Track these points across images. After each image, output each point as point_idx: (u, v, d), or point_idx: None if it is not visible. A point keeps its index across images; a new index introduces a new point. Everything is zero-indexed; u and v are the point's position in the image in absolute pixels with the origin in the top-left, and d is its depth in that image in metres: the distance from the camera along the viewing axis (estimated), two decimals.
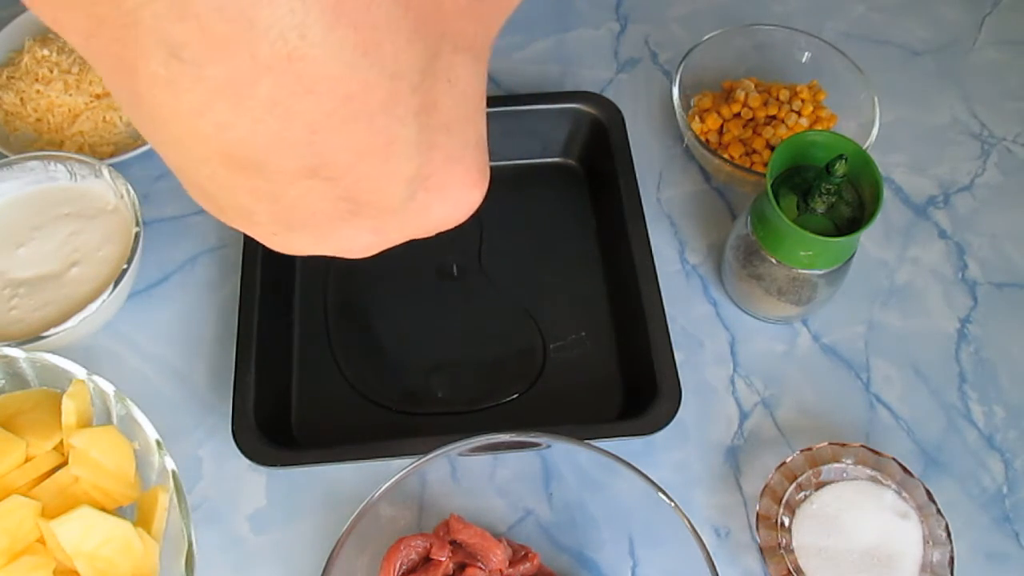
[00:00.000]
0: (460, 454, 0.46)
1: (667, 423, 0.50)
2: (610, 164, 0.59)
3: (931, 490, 0.49)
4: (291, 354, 0.56)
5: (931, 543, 0.48)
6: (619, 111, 0.61)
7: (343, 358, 0.56)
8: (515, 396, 0.55)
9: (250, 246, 0.55)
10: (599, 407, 0.54)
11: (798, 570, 0.47)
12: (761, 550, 0.49)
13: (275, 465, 0.49)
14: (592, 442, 0.46)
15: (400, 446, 0.49)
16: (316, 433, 0.53)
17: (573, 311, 0.58)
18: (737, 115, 0.62)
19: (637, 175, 0.58)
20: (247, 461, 0.52)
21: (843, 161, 0.47)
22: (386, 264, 0.58)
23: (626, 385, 0.55)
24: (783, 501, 0.49)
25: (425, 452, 0.47)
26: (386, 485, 0.45)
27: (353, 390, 0.55)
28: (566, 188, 0.63)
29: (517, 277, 0.59)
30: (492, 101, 0.60)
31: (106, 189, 0.56)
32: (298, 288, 0.58)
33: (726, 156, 0.60)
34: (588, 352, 0.56)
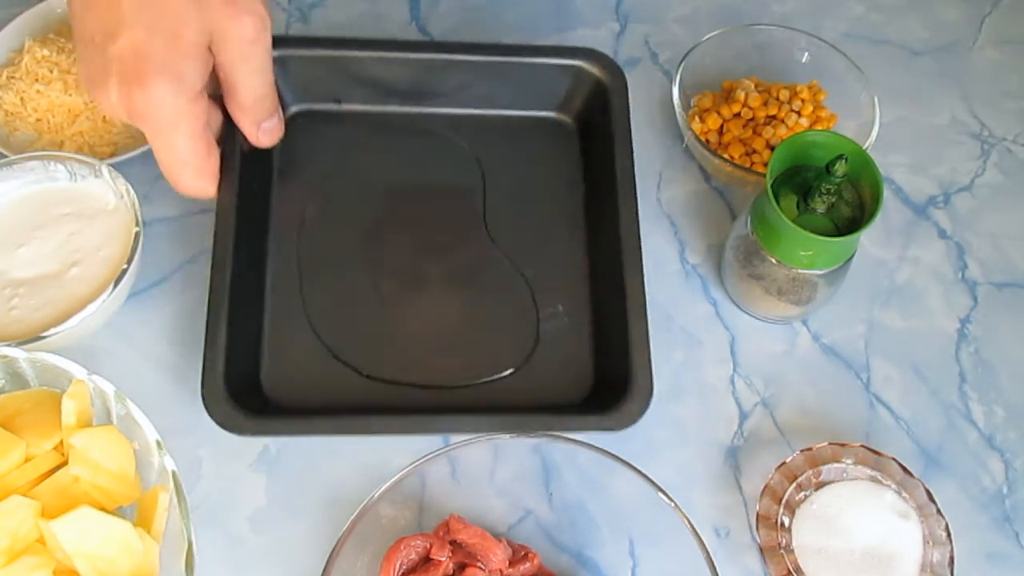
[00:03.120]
0: (453, 446, 0.46)
1: (635, 422, 0.48)
2: (607, 127, 0.57)
3: (931, 490, 0.49)
4: (263, 317, 0.54)
5: (931, 543, 0.48)
6: (623, 74, 0.59)
7: (322, 323, 0.54)
8: (507, 373, 0.53)
9: (223, 203, 0.52)
10: (566, 391, 0.53)
11: (798, 570, 0.47)
12: (761, 550, 0.49)
13: (247, 433, 0.47)
14: (558, 433, 0.45)
15: (380, 424, 0.49)
16: (293, 403, 0.52)
17: (553, 281, 0.56)
18: (737, 115, 0.62)
19: (636, 174, 0.58)
20: (245, 461, 0.52)
21: (843, 161, 0.47)
22: (372, 215, 0.57)
23: (597, 371, 0.53)
24: (783, 501, 0.49)
25: (405, 430, 0.47)
26: (386, 485, 0.45)
27: (332, 356, 0.53)
28: (558, 146, 0.61)
29: (514, 237, 0.57)
30: (494, 50, 0.59)
31: (106, 189, 0.56)
32: (272, 244, 0.56)
33: (726, 156, 0.60)
34: (563, 328, 0.54)
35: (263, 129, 0.53)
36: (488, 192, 0.58)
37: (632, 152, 0.56)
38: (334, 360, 0.53)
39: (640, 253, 0.53)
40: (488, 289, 0.56)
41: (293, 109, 0.60)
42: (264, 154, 0.56)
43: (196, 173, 0.50)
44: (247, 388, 0.50)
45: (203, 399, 0.48)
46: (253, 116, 0.52)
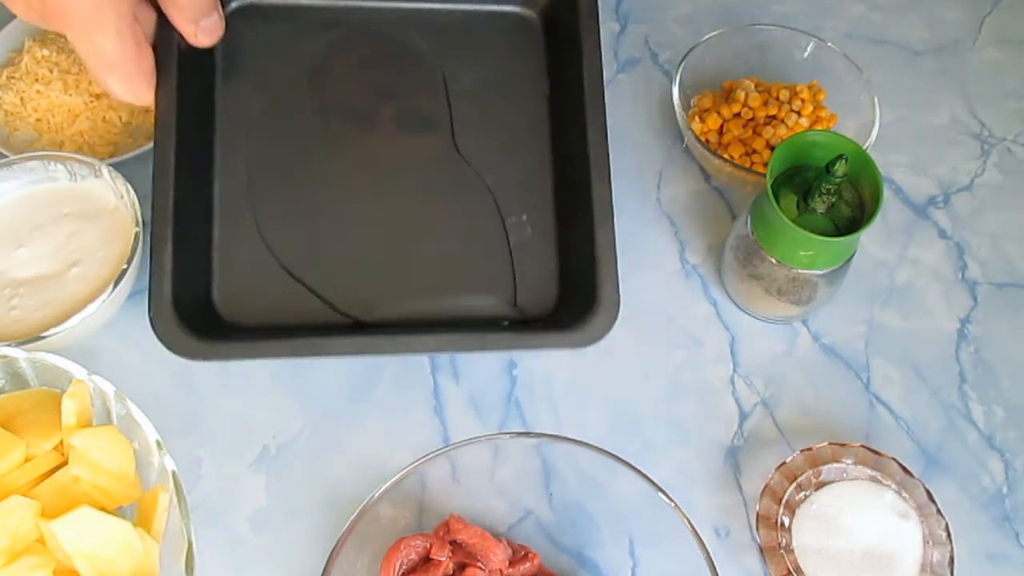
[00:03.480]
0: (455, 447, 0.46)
1: (601, 337, 0.46)
2: (574, 25, 0.53)
3: (931, 490, 0.49)
4: (212, 233, 0.50)
5: (931, 543, 0.48)
6: None
7: (274, 237, 0.50)
8: (471, 288, 0.50)
9: (162, 109, 0.49)
10: (532, 306, 0.50)
11: (798, 570, 0.47)
12: (761, 550, 0.49)
13: (198, 358, 0.45)
14: (523, 349, 0.44)
15: (337, 344, 0.46)
16: (248, 325, 0.49)
17: (518, 190, 0.52)
18: (737, 115, 0.62)
19: (634, 172, 0.57)
20: (245, 461, 0.52)
21: (843, 161, 0.47)
22: (324, 119, 0.53)
23: (563, 285, 0.51)
24: (783, 501, 0.49)
25: (363, 350, 0.45)
26: (386, 485, 0.45)
27: (286, 272, 0.50)
28: (522, 45, 0.56)
29: (476, 143, 0.53)
30: None
31: (106, 189, 0.56)
32: (218, 152, 0.52)
33: (726, 156, 0.60)
34: (528, 239, 0.51)
35: (201, 27, 0.48)
36: (450, 95, 0.54)
37: (600, 53, 0.52)
38: (288, 277, 0.50)
39: (608, 160, 0.49)
40: (450, 198, 0.52)
41: (234, 4, 0.54)
42: (205, 54, 0.51)
43: (128, 76, 0.46)
44: (199, 310, 0.48)
45: (151, 323, 0.45)
46: (189, 13, 0.48)
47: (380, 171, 0.52)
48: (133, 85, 0.47)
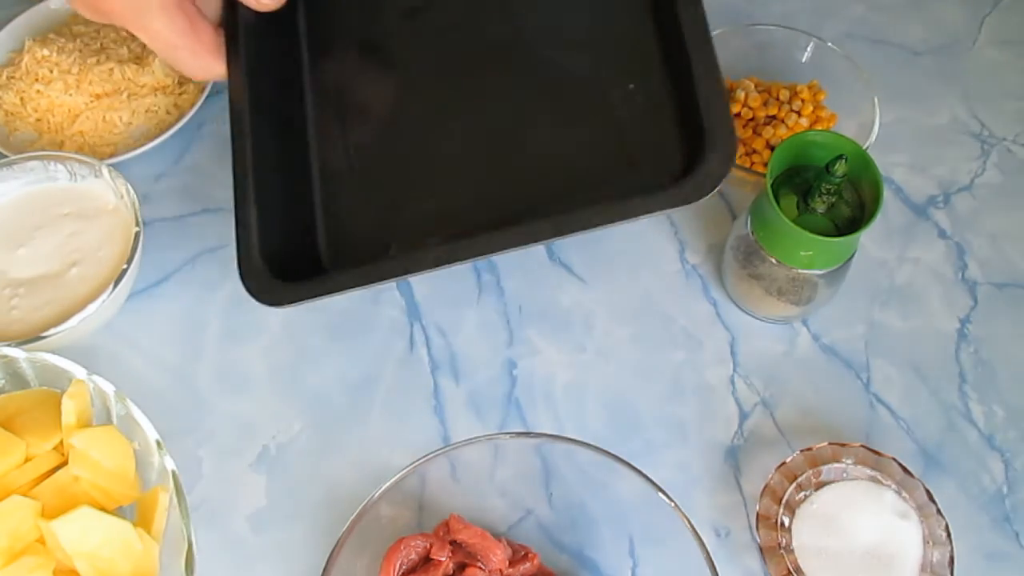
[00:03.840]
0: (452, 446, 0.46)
1: (718, 184, 0.43)
2: None
3: (931, 490, 0.49)
4: (310, 176, 0.50)
5: (931, 543, 0.48)
6: None
7: (370, 170, 0.50)
8: (585, 176, 0.47)
9: (235, 77, 0.48)
10: (649, 174, 0.46)
11: (798, 570, 0.47)
12: (761, 550, 0.49)
13: (289, 302, 0.44)
14: (649, 214, 0.41)
15: (461, 248, 0.44)
16: (345, 262, 0.48)
17: (619, 60, 0.49)
18: (737, 115, 0.62)
19: None
20: (245, 461, 0.52)
21: (843, 161, 0.47)
22: (412, 49, 0.51)
23: (679, 145, 0.46)
24: (783, 501, 0.49)
25: (484, 250, 0.43)
26: (386, 485, 0.45)
27: (392, 205, 0.49)
28: None
29: (557, 30, 0.51)
30: None
31: (106, 189, 0.56)
32: (310, 105, 0.52)
33: None
34: (636, 109, 0.48)
35: None
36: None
37: None
38: (388, 207, 0.49)
39: (702, 12, 0.46)
40: (549, 93, 0.50)
41: None
42: (285, 21, 0.51)
43: (191, 52, 0.47)
44: (300, 260, 0.47)
45: (242, 279, 0.45)
46: None
47: (473, 80, 0.51)
48: (200, 61, 0.47)
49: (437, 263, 0.44)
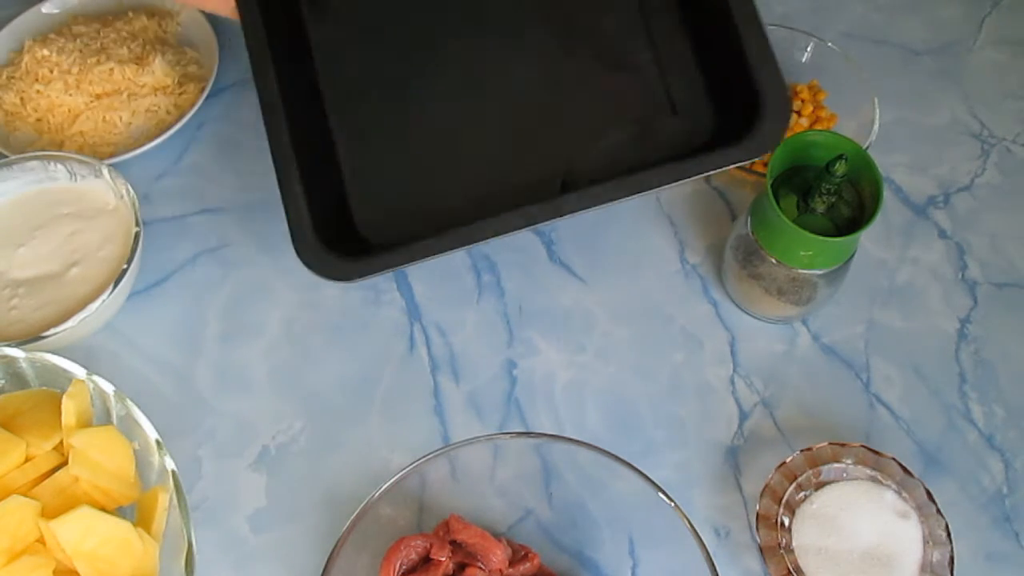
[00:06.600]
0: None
1: (779, 140, 0.43)
2: None
3: (931, 490, 0.49)
4: (336, 153, 0.48)
5: (931, 543, 0.48)
6: None
7: (404, 144, 0.48)
8: (625, 138, 0.47)
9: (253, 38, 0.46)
10: (692, 135, 0.47)
11: (798, 570, 0.47)
12: (761, 550, 0.49)
13: (353, 278, 0.44)
14: (706, 173, 0.41)
15: (508, 220, 0.43)
16: (385, 236, 0.47)
17: (644, 23, 0.48)
18: None
19: None
20: (245, 461, 0.52)
21: (843, 161, 0.47)
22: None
23: (720, 101, 0.47)
24: (783, 501, 0.49)
25: (539, 217, 0.42)
26: (386, 485, 0.45)
27: (425, 173, 0.48)
28: None
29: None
30: None
31: (106, 189, 0.56)
32: (319, 62, 0.49)
33: None
34: (670, 69, 0.48)
35: None
36: None
37: None
38: (424, 179, 0.48)
39: None
40: (577, 54, 0.49)
41: None
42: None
43: None
44: (341, 235, 0.46)
45: (299, 255, 0.44)
46: None
47: (498, 51, 0.50)
48: None
49: (502, 230, 0.43)
